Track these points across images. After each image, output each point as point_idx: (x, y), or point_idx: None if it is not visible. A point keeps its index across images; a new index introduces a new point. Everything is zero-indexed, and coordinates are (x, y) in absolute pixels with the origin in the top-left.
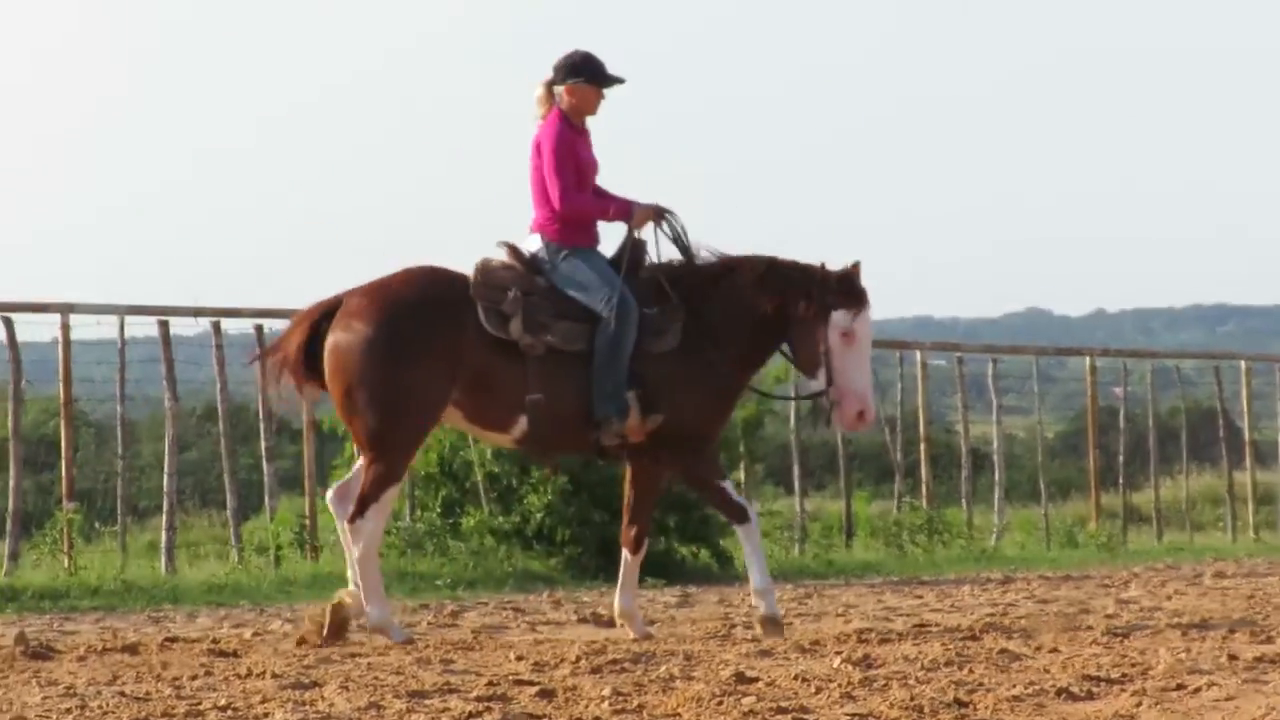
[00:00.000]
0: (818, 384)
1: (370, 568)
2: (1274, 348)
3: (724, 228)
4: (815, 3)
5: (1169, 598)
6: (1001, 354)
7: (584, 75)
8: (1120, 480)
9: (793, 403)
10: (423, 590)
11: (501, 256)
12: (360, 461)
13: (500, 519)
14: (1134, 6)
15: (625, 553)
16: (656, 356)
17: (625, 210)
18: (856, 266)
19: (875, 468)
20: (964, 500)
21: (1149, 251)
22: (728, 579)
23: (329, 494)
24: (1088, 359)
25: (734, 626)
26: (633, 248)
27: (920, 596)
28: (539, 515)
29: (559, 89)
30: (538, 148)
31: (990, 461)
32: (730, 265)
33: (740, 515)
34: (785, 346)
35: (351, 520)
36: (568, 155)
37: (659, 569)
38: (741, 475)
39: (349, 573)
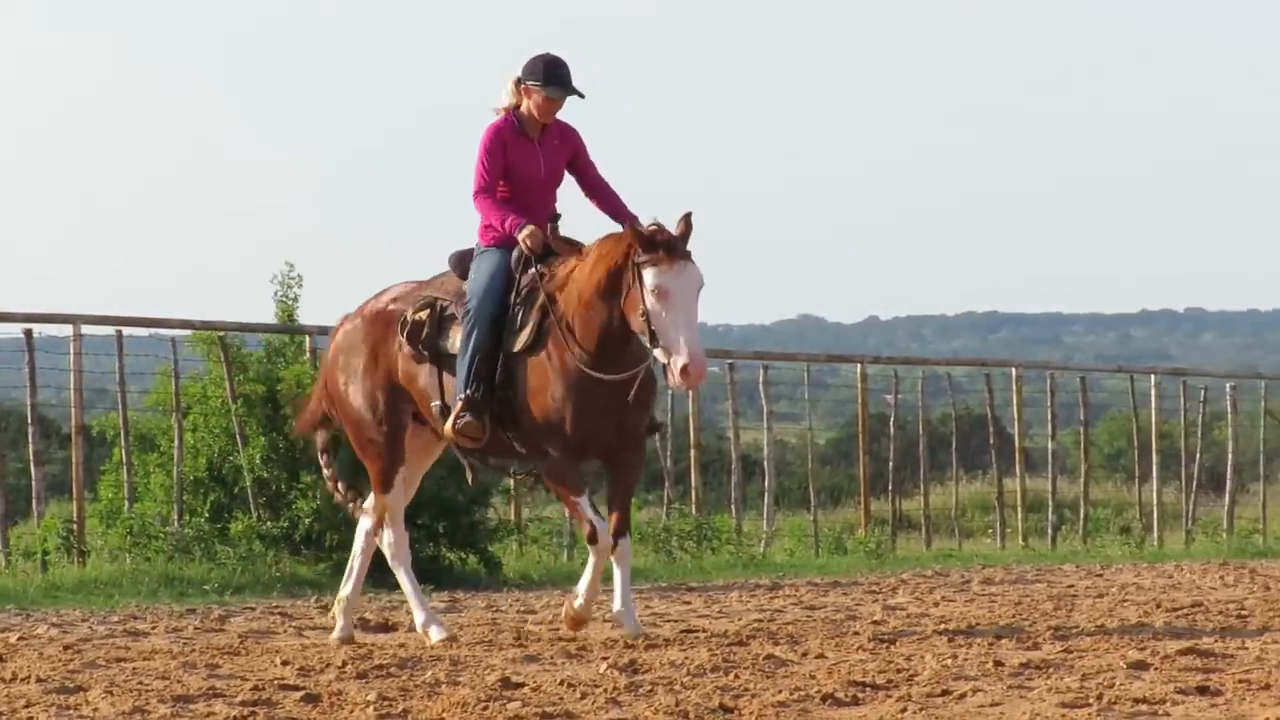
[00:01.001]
0: (647, 344)
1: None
2: (1045, 355)
3: None
4: None
5: (936, 604)
6: (773, 361)
7: (539, 79)
8: (890, 487)
9: None
10: (190, 595)
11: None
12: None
13: (269, 524)
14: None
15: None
16: (514, 356)
17: (517, 225)
18: (664, 226)
19: (645, 474)
20: (733, 507)
21: (922, 259)
22: (495, 585)
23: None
24: (859, 366)
25: (501, 632)
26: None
27: (688, 602)
28: (307, 520)
29: (519, 87)
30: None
31: (760, 468)
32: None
33: (590, 536)
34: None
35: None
36: (496, 156)
37: (427, 575)
38: (511, 482)
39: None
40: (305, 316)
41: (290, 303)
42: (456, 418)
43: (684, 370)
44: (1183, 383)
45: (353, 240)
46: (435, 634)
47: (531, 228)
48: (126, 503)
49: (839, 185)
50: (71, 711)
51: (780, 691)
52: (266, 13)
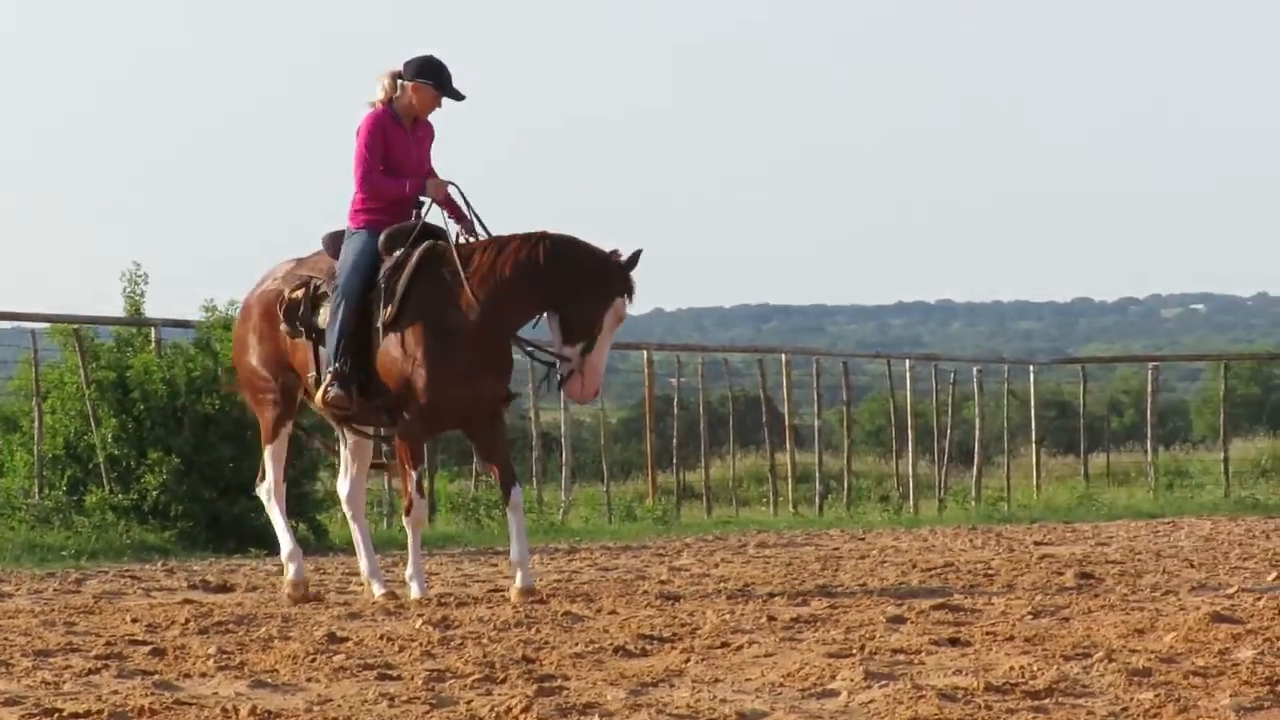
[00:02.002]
0: (570, 353)
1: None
2: (811, 342)
3: None
4: None
5: (716, 565)
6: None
7: (432, 80)
8: (675, 461)
9: None
10: (50, 560)
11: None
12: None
13: (120, 496)
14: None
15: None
16: (378, 331)
17: (419, 185)
18: (637, 256)
19: (456, 450)
20: (535, 479)
21: (701, 256)
22: (323, 549)
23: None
24: (646, 353)
25: (328, 592)
26: (419, 220)
27: (495, 565)
28: (155, 493)
29: (404, 84)
30: (356, 133)
31: (559, 444)
32: (524, 241)
33: (405, 508)
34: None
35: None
36: (378, 143)
37: (260, 540)
38: (335, 457)
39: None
40: (151, 310)
41: (138, 298)
42: (326, 389)
43: (595, 392)
44: (934, 367)
45: (194, 238)
46: (377, 590)
47: (436, 179)
48: None
49: (626, 189)
50: None
51: (577, 644)
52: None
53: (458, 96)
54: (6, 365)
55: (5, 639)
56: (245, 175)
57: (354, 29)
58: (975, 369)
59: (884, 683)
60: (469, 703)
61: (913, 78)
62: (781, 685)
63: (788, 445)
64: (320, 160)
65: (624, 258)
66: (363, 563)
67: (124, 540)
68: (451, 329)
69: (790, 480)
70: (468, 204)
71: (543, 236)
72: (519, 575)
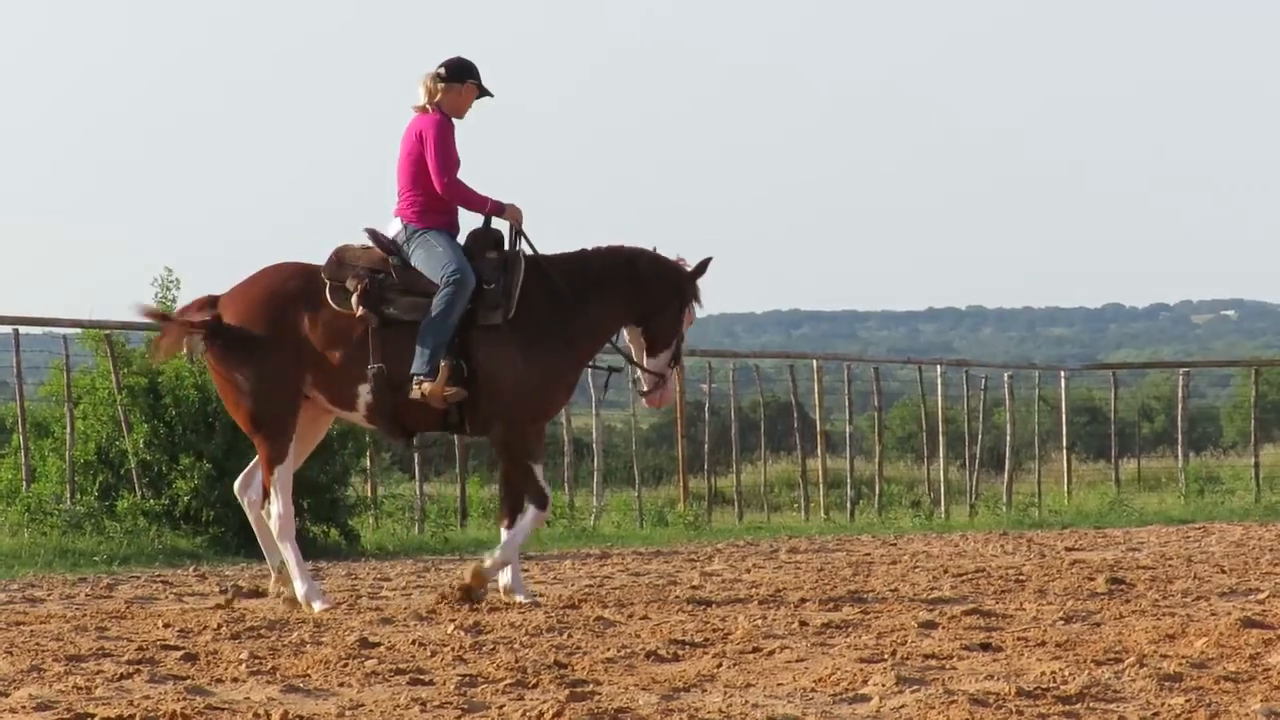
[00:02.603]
0: (656, 364)
1: (289, 546)
2: (843, 348)
3: None
4: None
5: (748, 571)
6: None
7: (474, 80)
8: (706, 466)
9: None
10: (82, 565)
11: (364, 241)
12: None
13: (151, 502)
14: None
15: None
16: (486, 330)
17: (499, 206)
18: (706, 264)
19: (487, 455)
20: (566, 484)
21: (733, 261)
22: (354, 555)
23: (236, 485)
24: None
25: (360, 597)
26: (514, 234)
27: (526, 570)
28: (186, 498)
29: (447, 85)
30: (418, 135)
31: (590, 450)
32: (610, 254)
33: (541, 501)
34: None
35: (264, 507)
36: (451, 144)
37: None
38: (368, 462)
39: (268, 554)
40: None
41: (169, 303)
42: (445, 385)
43: (665, 398)
44: (965, 373)
45: (226, 243)
46: (318, 606)
47: (514, 205)
48: (25, 483)
49: (659, 197)
50: None
51: (609, 649)
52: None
53: (490, 95)
54: (38, 371)
55: (38, 644)
56: (277, 182)
57: (378, 33)
58: (1006, 375)
59: (915, 688)
60: (501, 708)
61: (944, 86)
62: (813, 690)
63: (819, 451)
64: (348, 167)
65: (690, 266)
66: (299, 584)
67: (156, 545)
68: (564, 336)
69: (822, 486)
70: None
71: (632, 250)
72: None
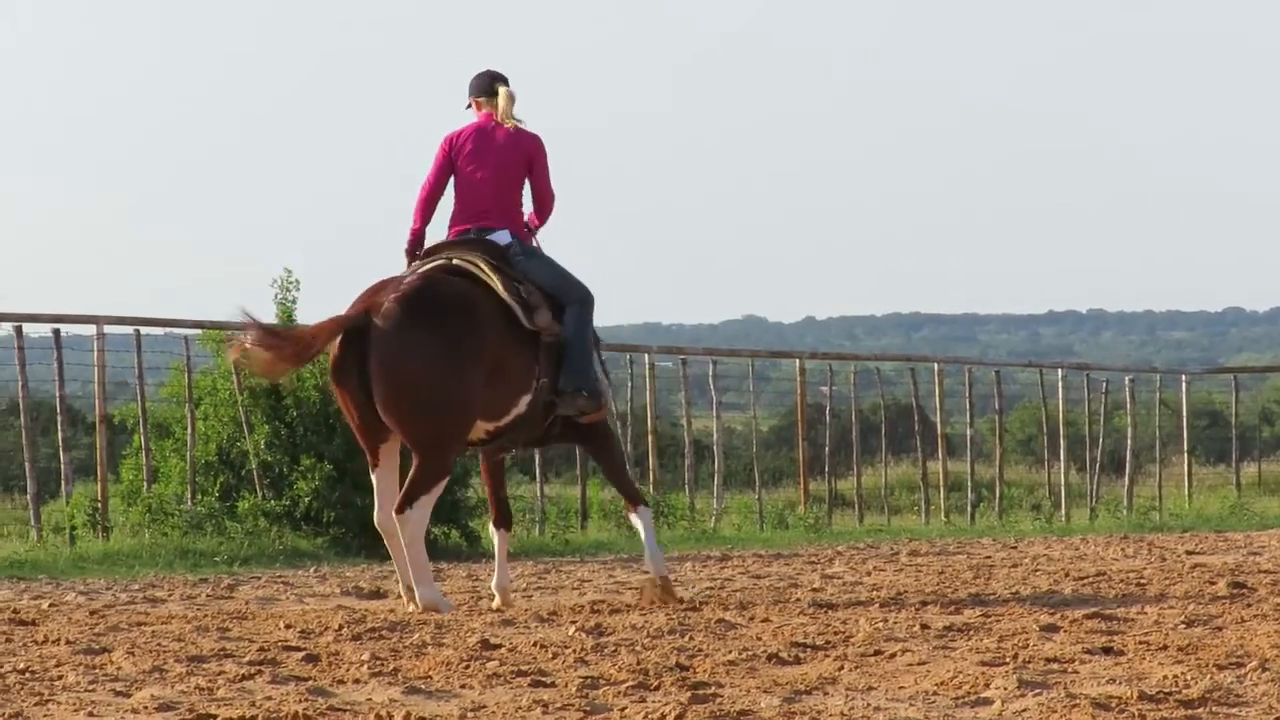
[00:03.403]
0: None
1: (419, 552)
2: (963, 351)
3: None
4: None
5: (869, 573)
6: (721, 356)
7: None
8: (826, 469)
9: None
10: (203, 566)
11: (469, 252)
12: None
13: (272, 502)
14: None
15: (498, 532)
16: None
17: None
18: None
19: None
20: (687, 487)
21: (853, 264)
22: (475, 556)
23: (380, 520)
24: (798, 361)
25: (480, 599)
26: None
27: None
28: (307, 499)
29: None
30: (530, 153)
31: (710, 452)
32: None
33: (638, 499)
34: None
35: (400, 510)
36: None
37: None
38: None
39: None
40: (302, 316)
41: (289, 304)
42: (604, 403)
43: None
44: (1086, 376)
45: (345, 243)
46: (445, 609)
47: None
48: (145, 484)
49: (779, 200)
50: (97, 670)
51: (730, 651)
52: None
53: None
54: (159, 372)
55: (159, 644)
56: (389, 179)
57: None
58: (1127, 378)
59: (1038, 691)
60: (623, 710)
61: (1071, 90)
62: (935, 693)
63: (940, 453)
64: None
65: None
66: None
67: (276, 546)
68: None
69: (942, 488)
70: None
71: None
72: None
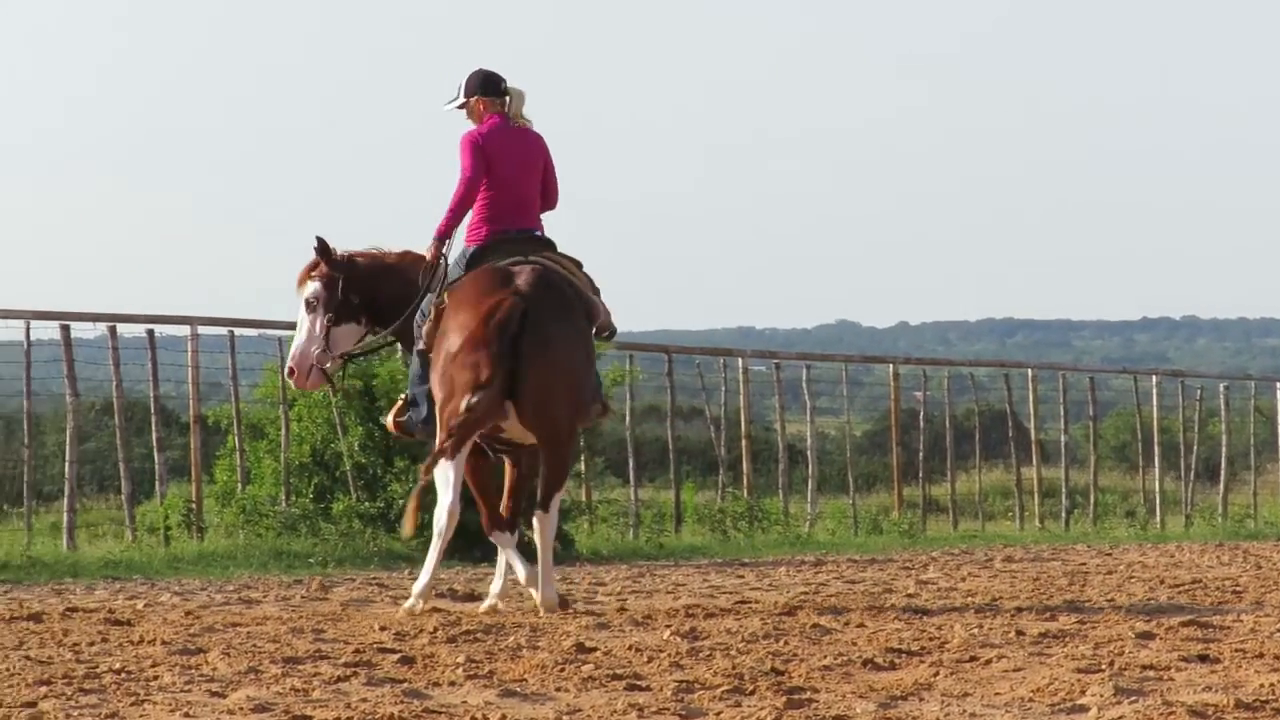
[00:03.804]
0: None
1: (550, 551)
2: (1057, 358)
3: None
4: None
5: (963, 579)
6: (815, 361)
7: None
8: (920, 474)
9: (628, 400)
10: (297, 567)
11: (542, 251)
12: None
13: (366, 504)
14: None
15: (505, 534)
16: None
17: None
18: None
19: (702, 461)
20: (781, 491)
21: (947, 269)
22: (569, 559)
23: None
24: (892, 366)
25: (575, 602)
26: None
27: (742, 576)
28: (401, 501)
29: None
30: (546, 151)
31: (804, 456)
32: None
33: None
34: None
35: (545, 509)
36: None
37: None
38: (582, 467)
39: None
40: None
41: None
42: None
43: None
44: (1181, 383)
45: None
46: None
47: None
48: (240, 485)
49: (873, 204)
50: (193, 671)
51: (825, 656)
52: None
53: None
54: (252, 373)
55: (255, 645)
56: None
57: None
58: (1222, 385)
59: (1134, 699)
60: (718, 714)
61: (1161, 92)
62: (1030, 700)
63: (1033, 460)
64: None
65: None
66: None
67: (371, 548)
68: None
69: (1036, 495)
70: None
71: None
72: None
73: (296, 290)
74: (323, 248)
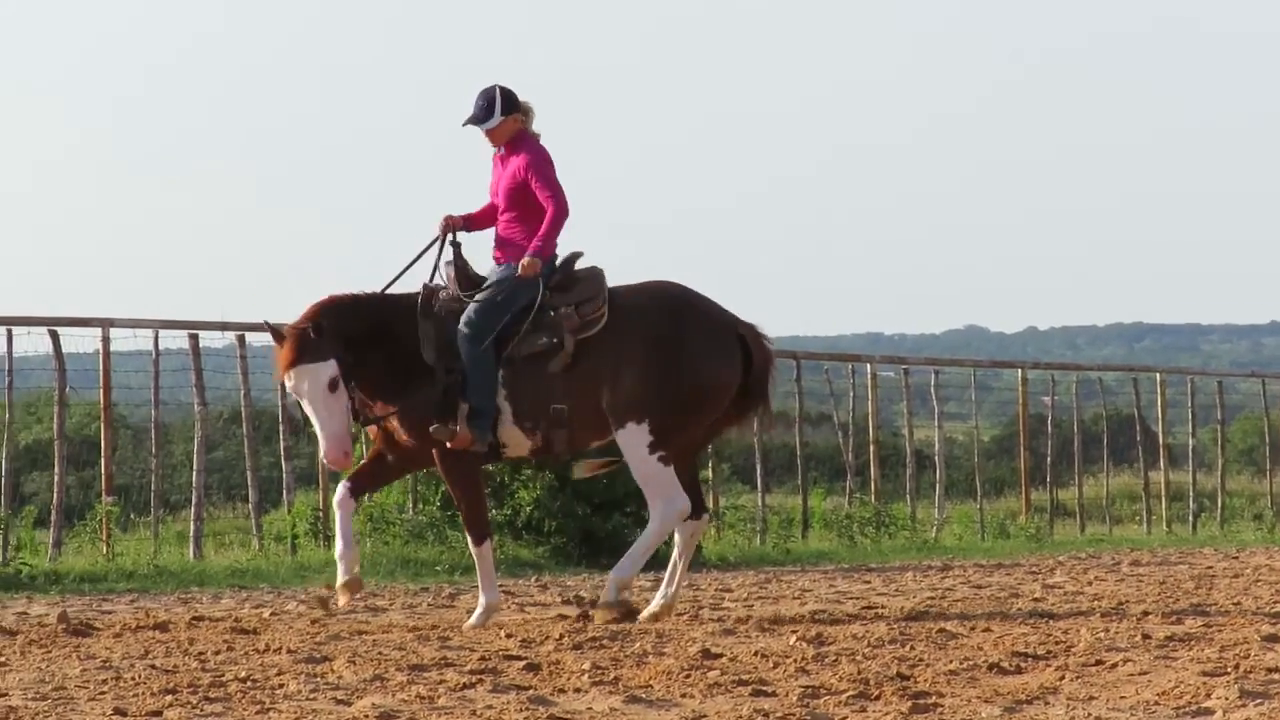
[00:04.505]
0: None
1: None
2: (1185, 362)
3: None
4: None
5: (1090, 583)
6: (943, 366)
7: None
8: (1048, 479)
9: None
10: (423, 575)
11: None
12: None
13: (493, 511)
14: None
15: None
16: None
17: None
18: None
19: (829, 467)
20: (908, 496)
21: (1075, 273)
22: (695, 566)
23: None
24: (1020, 371)
25: (701, 608)
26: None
27: (868, 582)
28: (528, 508)
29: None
30: (547, 161)
31: (932, 462)
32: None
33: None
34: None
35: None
36: None
37: None
38: (709, 474)
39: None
40: None
41: None
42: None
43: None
44: None
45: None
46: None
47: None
48: (367, 493)
49: (1002, 209)
50: (319, 679)
51: (951, 661)
52: None
53: (469, 122)
54: None
55: (380, 653)
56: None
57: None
58: None
59: (1259, 702)
60: (843, 719)
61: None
62: (1156, 703)
63: (1161, 464)
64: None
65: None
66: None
67: (498, 555)
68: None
69: (1164, 499)
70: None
71: None
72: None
73: (289, 378)
74: (316, 328)
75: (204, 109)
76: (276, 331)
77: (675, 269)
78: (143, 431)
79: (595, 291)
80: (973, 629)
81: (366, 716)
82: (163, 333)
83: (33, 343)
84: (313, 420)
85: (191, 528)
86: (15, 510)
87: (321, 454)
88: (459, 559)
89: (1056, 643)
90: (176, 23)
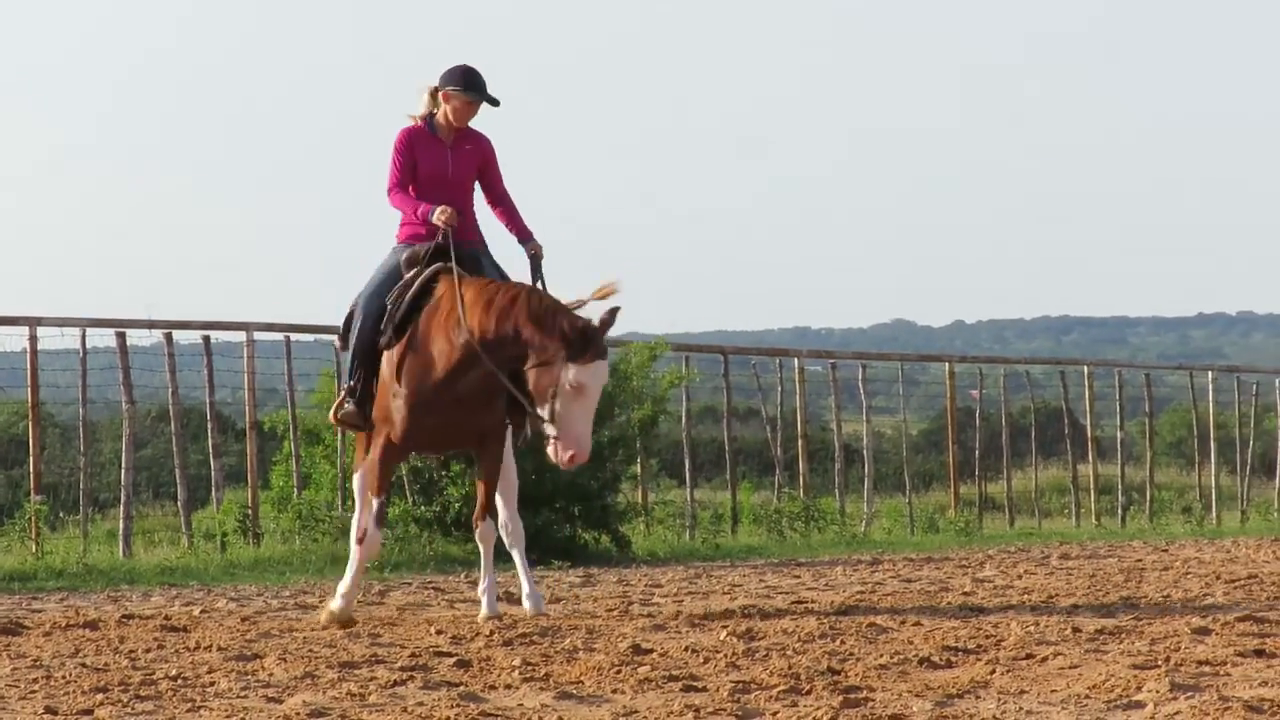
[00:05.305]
0: (542, 414)
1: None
2: (1113, 355)
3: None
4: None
5: (1020, 577)
6: (871, 360)
7: (459, 84)
8: (976, 472)
9: (684, 402)
10: None
11: None
12: None
13: (422, 508)
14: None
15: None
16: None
17: (429, 209)
18: (610, 317)
19: (758, 462)
20: (837, 490)
21: (1003, 268)
22: (625, 562)
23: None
24: (947, 365)
25: (631, 604)
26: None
27: (798, 576)
28: (457, 505)
29: (440, 95)
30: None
31: (861, 456)
32: (504, 284)
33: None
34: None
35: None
36: (406, 155)
37: (565, 552)
38: (638, 469)
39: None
40: None
41: None
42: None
43: (571, 457)
44: (1236, 379)
45: None
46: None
47: (444, 206)
48: (296, 490)
49: (928, 203)
50: (249, 676)
51: (882, 656)
52: None
53: (492, 101)
54: (308, 378)
55: (311, 651)
56: (569, 184)
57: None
58: (1278, 380)
59: (1190, 694)
60: (774, 714)
61: (1218, 87)
62: (1087, 697)
63: (1090, 457)
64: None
65: (583, 324)
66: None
67: (427, 552)
68: (435, 355)
69: (1092, 492)
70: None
71: (525, 288)
72: (485, 603)
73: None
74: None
75: (131, 106)
76: (608, 323)
77: (600, 265)
78: (71, 430)
79: None
80: (903, 623)
81: (298, 714)
82: (90, 331)
83: None
84: (584, 416)
85: (121, 526)
86: None
87: (567, 456)
88: (388, 556)
89: (987, 636)
90: (107, 21)
